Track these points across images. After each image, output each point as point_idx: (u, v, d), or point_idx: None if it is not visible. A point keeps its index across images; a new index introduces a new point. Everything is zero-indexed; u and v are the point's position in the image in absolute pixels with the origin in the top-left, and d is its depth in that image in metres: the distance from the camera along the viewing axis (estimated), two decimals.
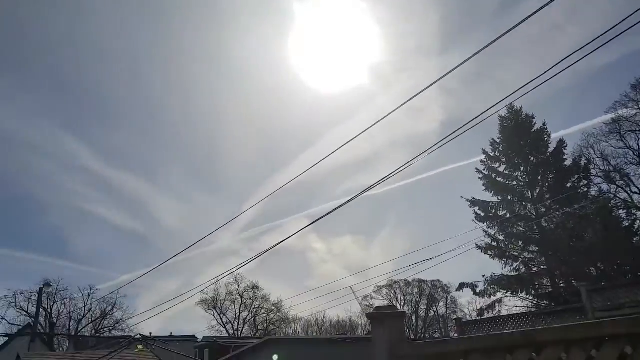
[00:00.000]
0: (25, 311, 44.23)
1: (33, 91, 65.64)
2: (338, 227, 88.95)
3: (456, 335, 29.81)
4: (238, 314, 64.60)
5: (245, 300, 64.74)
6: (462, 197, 35.95)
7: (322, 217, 13.13)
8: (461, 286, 35.43)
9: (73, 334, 46.12)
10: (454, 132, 9.76)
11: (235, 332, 62.39)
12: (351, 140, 11.34)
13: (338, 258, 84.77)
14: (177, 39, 67.46)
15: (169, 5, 65.73)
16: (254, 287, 64.76)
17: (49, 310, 45.97)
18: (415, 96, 9.52)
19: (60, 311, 48.07)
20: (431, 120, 68.70)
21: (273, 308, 65.07)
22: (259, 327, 65.08)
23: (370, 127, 10.56)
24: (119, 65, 67.54)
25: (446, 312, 67.59)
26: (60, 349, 44.07)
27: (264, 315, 65.84)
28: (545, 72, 7.54)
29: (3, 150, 66.62)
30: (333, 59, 66.97)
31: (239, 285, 63.89)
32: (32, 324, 37.73)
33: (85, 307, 49.04)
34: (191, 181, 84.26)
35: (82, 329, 48.83)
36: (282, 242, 14.57)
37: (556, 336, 2.50)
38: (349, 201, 12.04)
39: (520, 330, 5.19)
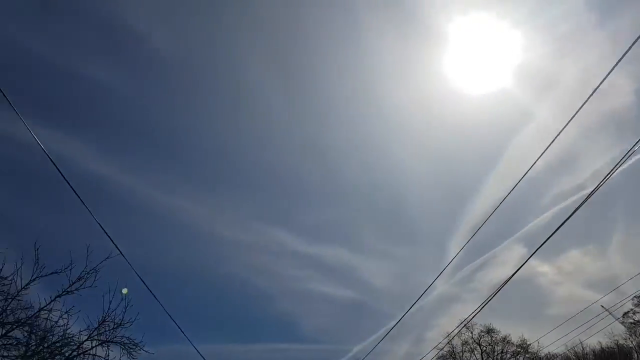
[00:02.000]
0: None
1: (231, 198, 75.97)
2: (559, 242, 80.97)
3: None
4: None
5: (484, 347, 61.54)
6: None
7: (546, 240, 12.32)
8: None
9: None
10: None
11: None
12: (549, 146, 10.82)
13: (572, 276, 76.49)
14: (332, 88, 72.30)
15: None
16: (490, 331, 61.42)
17: None
18: (607, 76, 8.93)
19: None
20: (620, 94, 60.66)
21: (519, 350, 60.54)
22: None
23: (564, 127, 10.00)
24: (294, 141, 74.39)
25: None
26: None
27: (512, 359, 61.49)
28: None
29: (235, 255, 76.96)
30: (484, 70, 64.93)
31: (472, 333, 61.31)
32: None
33: None
34: (387, 236, 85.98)
35: None
36: (509, 279, 14.21)
37: None
38: (575, 211, 11.07)
39: None
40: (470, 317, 14.66)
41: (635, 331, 59.34)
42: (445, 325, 66.47)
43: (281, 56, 69.53)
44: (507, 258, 66.23)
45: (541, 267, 75.42)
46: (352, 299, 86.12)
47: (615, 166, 9.31)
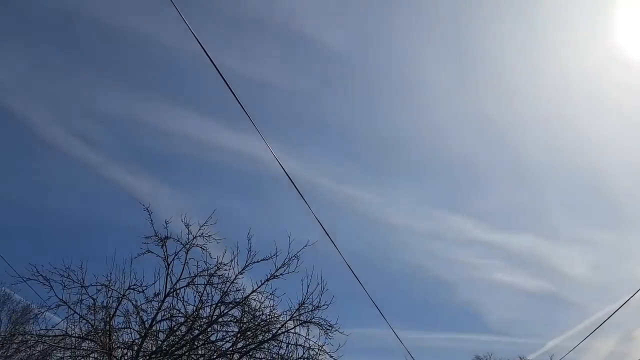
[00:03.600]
0: None
1: (408, 185, 76.05)
2: None
3: None
4: None
5: None
6: None
7: None
8: None
9: None
10: None
11: None
12: None
13: None
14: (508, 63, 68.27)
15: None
16: None
17: None
18: None
19: None
20: None
21: None
22: None
23: None
24: (473, 123, 71.88)
25: None
26: None
27: None
28: None
29: (415, 244, 77.58)
30: None
31: None
32: None
33: None
34: (582, 221, 78.50)
35: None
36: None
37: None
38: None
39: None
40: None
41: None
42: None
43: (455, 43, 67.72)
44: None
45: None
46: (542, 289, 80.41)
47: None
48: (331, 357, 12.40)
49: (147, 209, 10.71)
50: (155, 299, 10.30)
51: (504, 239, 78.27)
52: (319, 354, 12.38)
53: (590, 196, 79.10)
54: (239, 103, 7.48)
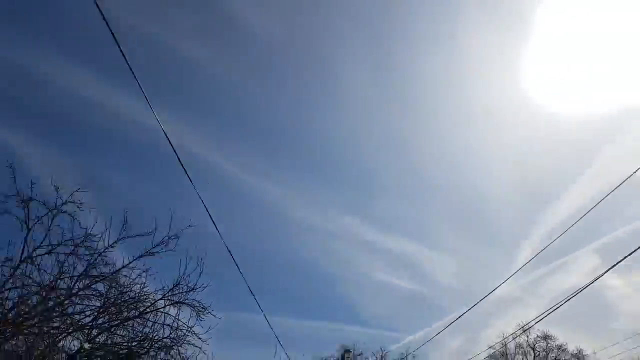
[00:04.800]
0: None
1: (312, 183, 77.48)
2: (634, 256, 76.65)
3: None
4: None
5: (538, 353, 60.00)
6: None
7: (625, 258, 11.87)
8: None
9: None
10: None
11: None
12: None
13: None
14: (420, 88, 71.22)
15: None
16: (546, 337, 59.73)
17: None
18: None
19: None
20: None
21: (573, 359, 58.66)
22: None
23: None
24: (377, 134, 74.33)
25: None
26: None
27: None
28: None
29: (306, 237, 79.24)
30: (585, 73, 60.74)
31: (527, 337, 59.80)
32: None
33: None
34: (458, 233, 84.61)
35: None
36: (579, 291, 13.71)
37: None
38: None
39: None
40: (534, 322, 14.28)
41: None
42: (501, 327, 65.04)
43: (377, 57, 69.33)
44: (578, 267, 63.32)
45: (612, 280, 71.67)
46: (413, 291, 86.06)
47: None
48: (199, 338, 12.21)
49: (11, 165, 9.72)
50: (6, 264, 9.41)
51: (389, 243, 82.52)
52: (188, 335, 12.11)
53: (465, 213, 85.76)
54: (130, 69, 7.00)
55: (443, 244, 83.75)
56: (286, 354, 11.65)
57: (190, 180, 8.55)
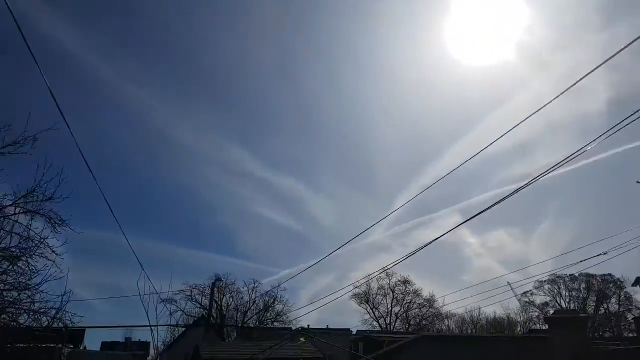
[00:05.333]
0: (200, 303, 50.02)
1: (204, 105, 74.47)
2: (492, 219, 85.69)
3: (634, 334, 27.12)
4: (390, 308, 65.69)
5: (396, 295, 65.57)
6: (638, 181, 32.49)
7: (477, 215, 13.00)
8: (637, 281, 32.18)
9: (240, 325, 50.36)
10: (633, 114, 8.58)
11: (388, 327, 63.49)
12: (509, 131, 10.96)
13: (493, 252, 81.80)
14: (326, 38, 70.60)
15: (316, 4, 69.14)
16: (405, 282, 65.27)
17: (219, 302, 51.37)
18: (580, 80, 8.97)
19: (229, 304, 53.16)
20: (595, 99, 62.54)
21: (425, 303, 64.97)
22: (410, 322, 65.42)
23: (531, 115, 10.05)
24: (278, 75, 73.02)
25: (619, 309, 61.41)
26: (229, 339, 47.98)
27: (416, 310, 66.01)
28: None
29: (182, 161, 76.57)
30: (484, 41, 64.28)
31: (390, 280, 64.89)
32: (205, 315, 42.35)
33: (250, 300, 54.04)
34: (343, 180, 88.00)
35: (247, 320, 53.56)
36: (435, 240, 14.84)
37: None
38: (506, 197, 11.59)
39: None
40: (393, 264, 15.39)
41: (526, 309, 64.73)
42: (369, 269, 70.17)
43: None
44: (444, 224, 69.31)
45: (469, 238, 79.88)
46: (293, 229, 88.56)
47: (554, 166, 9.62)
48: (53, 251, 11.50)
49: None
50: None
51: (275, 179, 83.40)
52: (40, 247, 11.34)
53: (352, 162, 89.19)
54: None
55: (327, 188, 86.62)
56: (148, 279, 11.36)
57: (40, 70, 7.66)
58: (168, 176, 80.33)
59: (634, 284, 33.26)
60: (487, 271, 78.42)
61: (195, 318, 47.01)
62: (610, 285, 61.02)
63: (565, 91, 9.14)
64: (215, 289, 41.23)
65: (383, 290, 65.36)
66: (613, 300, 62.04)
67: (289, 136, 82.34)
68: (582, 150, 9.35)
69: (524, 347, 19.97)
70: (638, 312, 55.12)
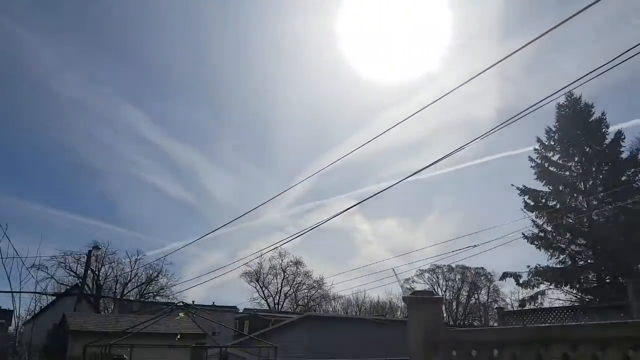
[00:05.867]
0: (74, 272, 45.85)
1: (97, 59, 68.27)
2: (384, 209, 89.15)
3: (496, 324, 29.40)
4: (280, 288, 66.09)
5: (287, 275, 66.09)
6: (512, 184, 35.17)
7: (367, 199, 13.28)
8: (504, 276, 34.83)
9: (118, 297, 47.41)
10: (508, 120, 9.42)
11: (276, 306, 63.91)
12: (401, 122, 11.25)
13: (382, 240, 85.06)
14: (232, 14, 67.96)
15: None
16: (297, 263, 65.96)
17: (96, 272, 47.64)
18: (469, 80, 9.31)
19: (108, 274, 49.51)
20: (487, 106, 66.79)
21: (315, 285, 66.21)
22: (299, 302, 66.42)
23: (421, 109, 10.40)
24: (179, 35, 68.88)
25: (487, 300, 67.01)
26: (106, 312, 45.33)
27: (305, 291, 67.10)
28: (606, 64, 7.36)
29: (67, 115, 69.89)
30: (391, 41, 65.63)
31: (282, 260, 65.20)
32: (79, 284, 39.22)
33: (131, 271, 50.91)
34: (243, 156, 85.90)
35: (127, 293, 50.64)
36: (326, 220, 14.81)
37: (593, 333, 2.44)
38: (394, 185, 12.12)
39: (557, 325, 5.15)
40: (283, 242, 15.11)
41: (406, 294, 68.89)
42: (261, 249, 69.35)
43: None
44: (338, 209, 70.69)
45: (362, 225, 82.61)
46: (186, 201, 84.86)
47: (435, 161, 10.10)
48: None
49: None
50: None
51: (168, 146, 79.68)
52: None
53: (254, 139, 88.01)
54: None
55: (226, 161, 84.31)
56: (8, 239, 9.89)
57: None
58: (46, 130, 73.16)
59: (501, 278, 36.04)
60: (375, 257, 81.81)
61: (68, 287, 43.57)
62: (482, 278, 66.29)
63: (454, 90, 9.39)
64: (93, 257, 38.42)
65: (274, 270, 65.63)
66: (483, 291, 67.50)
67: (189, 103, 78.40)
68: (461, 148, 9.90)
69: (402, 329, 20.77)
70: (503, 303, 60.43)
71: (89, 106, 69.52)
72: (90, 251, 31.48)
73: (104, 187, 78.42)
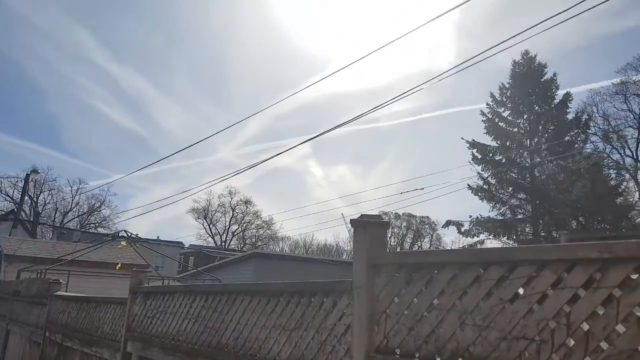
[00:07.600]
0: (10, 197, 44.65)
1: None
2: (338, 155, 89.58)
3: None
4: (228, 226, 66.00)
5: (236, 214, 65.96)
6: (462, 138, 35.96)
7: (318, 136, 13.18)
8: (447, 223, 36.17)
9: (58, 225, 46.16)
10: (460, 64, 9.61)
11: (223, 244, 63.99)
12: (356, 61, 11.15)
13: (334, 185, 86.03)
14: None
15: None
16: (247, 202, 65.82)
17: (34, 198, 46.12)
18: (421, 25, 9.20)
19: (47, 202, 48.17)
20: (445, 61, 66.97)
21: (263, 225, 66.47)
22: (247, 241, 66.73)
23: (376, 50, 10.33)
24: None
25: (430, 247, 69.80)
26: (43, 239, 44.28)
27: (254, 230, 67.34)
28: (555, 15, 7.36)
29: (10, 30, 64.55)
30: None
31: (232, 198, 64.87)
32: (15, 210, 37.48)
33: (72, 200, 49.44)
34: (197, 89, 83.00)
35: (67, 222, 49.19)
36: (276, 155, 14.70)
37: (530, 256, 2.51)
38: (344, 124, 12.05)
39: (497, 247, 5.28)
40: (231, 175, 14.89)
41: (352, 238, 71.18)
42: (213, 189, 68.29)
43: None
44: (293, 152, 70.35)
45: (315, 169, 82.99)
46: (134, 131, 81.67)
47: (383, 103, 10.01)
48: None
49: None
50: None
51: (120, 73, 75.88)
52: None
53: (212, 73, 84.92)
54: None
55: (176, 91, 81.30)
56: None
57: None
58: None
59: (444, 226, 37.41)
60: (325, 202, 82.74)
61: (3, 212, 41.86)
62: (426, 227, 68.83)
63: (410, 32, 9.24)
64: (31, 182, 36.81)
65: (223, 208, 65.36)
66: (427, 239, 70.28)
67: (141, 22, 73.93)
68: (411, 92, 9.87)
69: (345, 270, 21.35)
70: None
71: (36, 22, 64.30)
72: (28, 175, 29.89)
73: (47, 108, 74.10)
